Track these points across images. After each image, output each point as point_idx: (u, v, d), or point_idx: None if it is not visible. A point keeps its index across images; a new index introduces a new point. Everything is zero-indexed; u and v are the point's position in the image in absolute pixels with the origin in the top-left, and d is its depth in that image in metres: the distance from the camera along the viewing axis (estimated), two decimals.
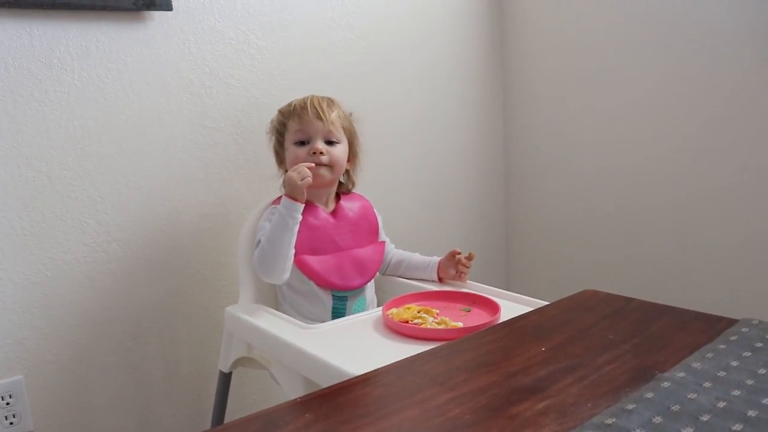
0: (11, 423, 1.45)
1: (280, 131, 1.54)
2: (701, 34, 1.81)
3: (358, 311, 1.46)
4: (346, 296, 1.48)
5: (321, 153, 1.46)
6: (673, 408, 0.69)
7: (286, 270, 1.41)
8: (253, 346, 1.43)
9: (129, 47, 1.52)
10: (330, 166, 1.48)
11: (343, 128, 1.52)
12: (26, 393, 1.46)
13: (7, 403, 1.43)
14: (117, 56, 1.50)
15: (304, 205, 1.40)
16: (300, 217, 1.40)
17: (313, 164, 1.42)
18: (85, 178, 1.49)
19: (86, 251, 1.51)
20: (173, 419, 1.68)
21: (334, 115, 1.49)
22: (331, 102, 1.52)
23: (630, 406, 0.70)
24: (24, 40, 1.39)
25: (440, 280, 1.54)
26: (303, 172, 1.38)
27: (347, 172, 1.57)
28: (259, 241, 1.43)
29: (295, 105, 1.51)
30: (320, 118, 1.47)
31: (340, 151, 1.50)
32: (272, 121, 1.57)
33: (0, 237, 1.40)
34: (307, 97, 1.51)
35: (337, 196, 1.57)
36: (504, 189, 2.39)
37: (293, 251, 1.41)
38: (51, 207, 1.46)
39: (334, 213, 1.53)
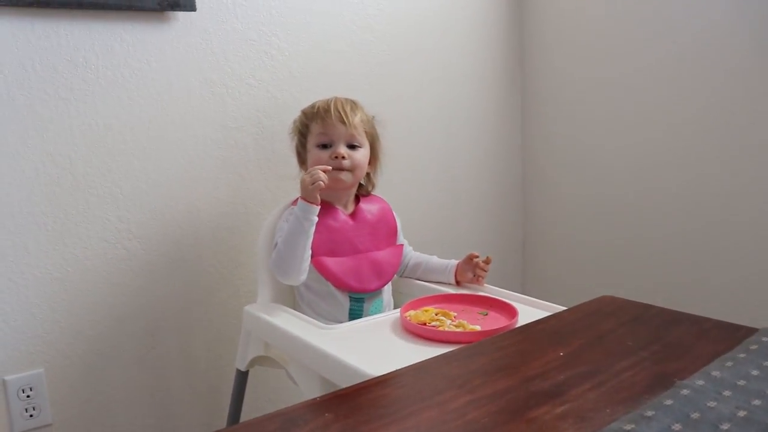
0: (31, 415, 1.46)
1: (302, 132, 1.55)
2: (724, 39, 1.80)
3: (375, 313, 1.47)
4: (363, 298, 1.49)
5: (343, 157, 1.47)
6: (692, 416, 0.69)
7: (302, 272, 1.41)
8: (271, 345, 1.44)
9: (153, 47, 1.53)
10: (351, 170, 1.49)
11: (366, 132, 1.52)
12: (46, 386, 1.48)
13: (27, 396, 1.45)
14: (141, 55, 1.52)
15: (319, 208, 1.40)
16: (315, 220, 1.40)
17: (329, 167, 1.43)
18: (107, 176, 1.51)
19: (107, 248, 1.53)
20: (189, 416, 1.70)
21: (357, 119, 1.50)
22: (354, 105, 1.52)
23: (649, 413, 0.70)
24: (51, 40, 1.41)
25: (458, 283, 1.54)
26: (315, 175, 1.38)
27: (368, 174, 1.58)
28: (277, 243, 1.44)
29: (318, 107, 1.51)
30: (343, 122, 1.47)
31: (362, 155, 1.51)
32: (295, 121, 1.58)
33: (24, 233, 1.42)
34: (331, 100, 1.52)
35: (357, 198, 1.58)
36: (522, 192, 2.39)
37: (309, 253, 1.42)
38: (74, 204, 1.47)
39: (353, 215, 1.54)
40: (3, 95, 1.37)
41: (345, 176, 1.48)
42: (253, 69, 1.68)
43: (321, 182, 1.38)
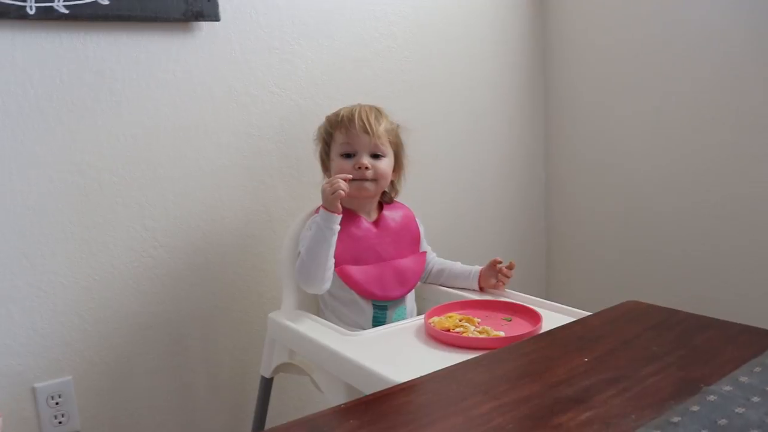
0: (60, 422, 1.48)
1: (326, 141, 1.55)
2: (747, 38, 1.79)
3: (398, 320, 1.47)
4: (386, 305, 1.49)
5: (366, 168, 1.47)
6: (720, 422, 0.68)
7: (326, 280, 1.42)
8: (296, 352, 1.45)
9: (177, 57, 1.55)
10: (374, 180, 1.49)
11: (390, 141, 1.52)
12: (74, 394, 1.50)
13: (57, 403, 1.47)
14: (166, 66, 1.54)
15: (340, 216, 1.40)
16: (338, 228, 1.41)
17: (350, 176, 1.43)
18: (133, 185, 1.53)
19: (133, 256, 1.55)
20: (214, 423, 1.71)
21: (381, 129, 1.49)
22: (378, 113, 1.52)
23: (675, 419, 0.69)
24: (78, 51, 1.43)
25: (481, 289, 1.54)
26: (336, 184, 1.38)
27: (391, 182, 1.57)
28: (300, 252, 1.45)
29: (342, 116, 1.51)
30: (367, 132, 1.47)
31: (386, 164, 1.51)
32: (319, 128, 1.58)
33: (52, 241, 1.44)
34: (355, 108, 1.52)
35: (380, 206, 1.58)
36: (545, 198, 2.38)
37: (333, 262, 1.42)
38: (101, 213, 1.50)
39: (376, 223, 1.54)
40: (33, 107, 1.40)
41: (369, 186, 1.49)
42: (276, 77, 1.70)
43: (341, 191, 1.38)
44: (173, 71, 1.55)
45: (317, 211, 1.49)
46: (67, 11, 1.38)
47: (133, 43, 1.50)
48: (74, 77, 1.43)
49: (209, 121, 1.61)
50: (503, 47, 2.18)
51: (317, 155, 1.60)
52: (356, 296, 1.47)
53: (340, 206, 1.40)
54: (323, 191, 1.41)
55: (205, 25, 1.58)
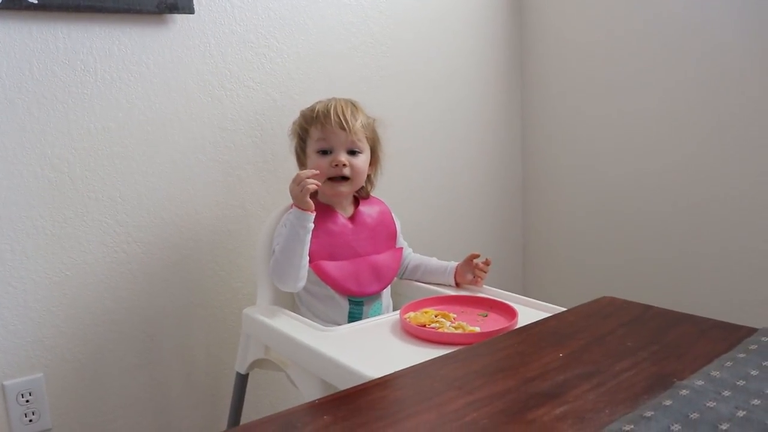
0: (30, 420, 1.46)
1: (301, 136, 1.54)
2: (723, 40, 1.80)
3: (374, 316, 1.46)
4: (362, 301, 1.49)
5: (343, 165, 1.46)
6: (691, 416, 0.69)
7: (300, 279, 1.41)
8: (271, 347, 1.44)
9: (151, 50, 1.53)
10: (351, 178, 1.48)
11: (367, 137, 1.51)
12: (45, 391, 1.47)
13: (27, 401, 1.45)
14: (139, 58, 1.52)
15: (313, 214, 1.39)
16: (311, 226, 1.39)
17: (316, 171, 1.41)
18: (105, 179, 1.51)
19: (106, 251, 1.53)
20: (189, 420, 1.69)
21: (358, 124, 1.48)
22: (354, 108, 1.51)
23: (648, 414, 0.69)
24: (48, 43, 1.41)
25: (457, 285, 1.54)
26: (303, 182, 1.37)
27: (368, 176, 1.57)
28: (275, 250, 1.44)
29: (318, 111, 1.49)
30: (343, 128, 1.46)
31: (362, 161, 1.50)
32: (294, 123, 1.57)
33: (22, 237, 1.42)
34: (330, 103, 1.50)
35: (356, 201, 1.57)
36: (522, 194, 2.39)
37: (307, 260, 1.41)
38: (72, 207, 1.47)
39: (352, 218, 1.54)
40: (1, 99, 1.37)
41: (344, 187, 1.49)
42: (251, 71, 1.68)
43: (309, 187, 1.36)
44: (146, 64, 1.53)
45: (292, 206, 1.48)
46: (36, 1, 1.35)
47: (106, 35, 1.47)
48: (45, 69, 1.41)
49: (183, 115, 1.59)
50: (481, 43, 2.18)
51: (292, 150, 1.58)
52: (332, 292, 1.46)
53: (311, 203, 1.38)
54: (291, 191, 1.39)
55: (179, 18, 1.56)
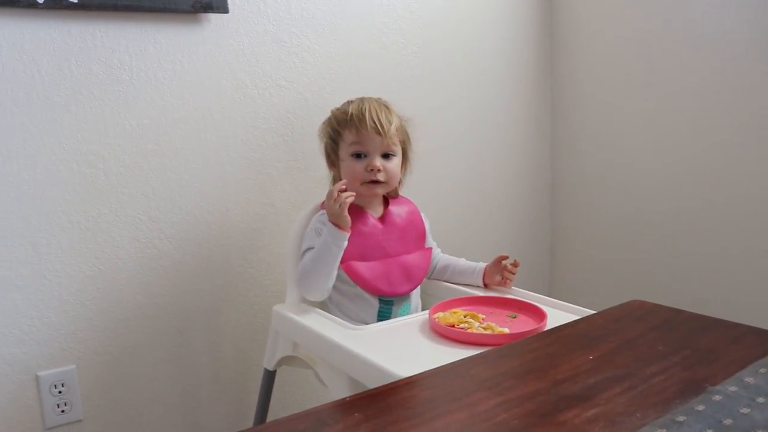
0: (63, 411, 1.49)
1: (333, 138, 1.53)
2: (756, 37, 1.78)
3: (403, 315, 1.47)
4: (392, 301, 1.49)
5: (378, 170, 1.46)
6: (725, 422, 0.68)
7: (327, 291, 1.43)
8: (300, 345, 1.45)
9: (185, 48, 1.55)
10: (386, 182, 1.49)
11: (399, 140, 1.51)
12: (77, 383, 1.50)
13: (60, 392, 1.48)
14: (174, 57, 1.54)
15: (349, 233, 1.40)
16: (345, 245, 1.40)
17: (345, 183, 1.41)
18: (139, 176, 1.53)
19: (138, 247, 1.55)
20: (217, 415, 1.71)
21: (393, 129, 1.47)
22: (388, 111, 1.50)
23: (680, 418, 0.69)
24: (87, 42, 1.43)
25: (485, 286, 1.54)
26: (339, 198, 1.37)
27: None
28: (305, 252, 1.45)
29: (352, 114, 1.48)
30: (379, 134, 1.45)
31: (396, 164, 1.50)
32: (325, 123, 1.57)
33: (58, 231, 1.44)
34: (364, 106, 1.48)
35: (386, 201, 1.58)
36: (550, 195, 2.38)
37: (336, 273, 1.42)
38: (107, 203, 1.50)
39: (382, 219, 1.54)
40: (40, 96, 1.40)
41: (380, 189, 1.50)
42: (284, 70, 1.70)
43: (347, 202, 1.37)
44: (181, 62, 1.55)
45: (322, 205, 1.49)
46: (76, 0, 1.38)
47: (142, 34, 1.50)
48: (82, 67, 1.44)
49: (216, 113, 1.61)
50: (511, 44, 2.17)
51: (322, 150, 1.59)
52: (361, 291, 1.47)
53: (348, 220, 1.39)
54: (329, 208, 1.39)
55: (213, 17, 1.57)
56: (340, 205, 1.37)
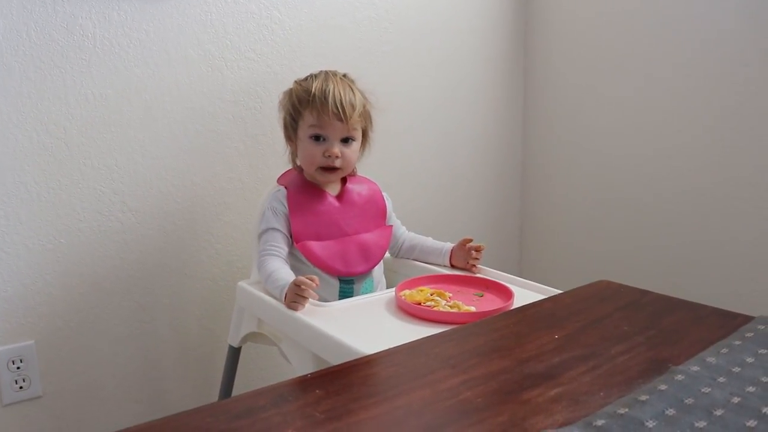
0: (21, 387, 1.46)
1: (293, 116, 1.48)
2: (729, 25, 1.79)
3: (366, 293, 1.45)
4: (352, 280, 1.47)
5: (336, 157, 1.44)
6: (686, 401, 0.68)
7: None
8: (264, 321, 1.43)
9: (151, 17, 1.51)
10: (342, 168, 1.46)
11: (361, 125, 1.48)
12: (36, 358, 1.47)
13: (18, 368, 1.45)
14: (139, 25, 1.50)
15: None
16: None
17: (317, 282, 1.25)
18: (102, 147, 1.49)
19: (101, 220, 1.51)
20: (181, 391, 1.69)
21: (356, 115, 1.44)
22: (352, 94, 1.45)
23: (643, 397, 0.69)
24: (47, 6, 1.39)
25: (452, 266, 1.53)
26: (303, 293, 1.23)
27: None
28: (263, 233, 1.43)
29: (315, 94, 1.42)
30: (341, 120, 1.42)
31: (354, 150, 1.48)
32: (285, 97, 1.51)
33: (16, 202, 1.40)
34: (328, 87, 1.43)
35: (343, 179, 1.54)
36: (520, 177, 2.38)
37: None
38: (68, 174, 1.46)
39: (339, 197, 1.51)
40: None
41: (336, 176, 1.48)
42: (252, 42, 1.66)
43: (306, 303, 1.26)
44: (146, 31, 1.51)
45: (281, 179, 1.48)
46: None
47: (106, 1, 1.45)
48: (42, 32, 1.39)
49: (183, 85, 1.58)
50: (484, 23, 2.16)
51: (280, 122, 1.53)
52: (321, 271, 1.45)
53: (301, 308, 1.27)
54: (288, 293, 1.26)
55: None
56: (297, 301, 1.24)
